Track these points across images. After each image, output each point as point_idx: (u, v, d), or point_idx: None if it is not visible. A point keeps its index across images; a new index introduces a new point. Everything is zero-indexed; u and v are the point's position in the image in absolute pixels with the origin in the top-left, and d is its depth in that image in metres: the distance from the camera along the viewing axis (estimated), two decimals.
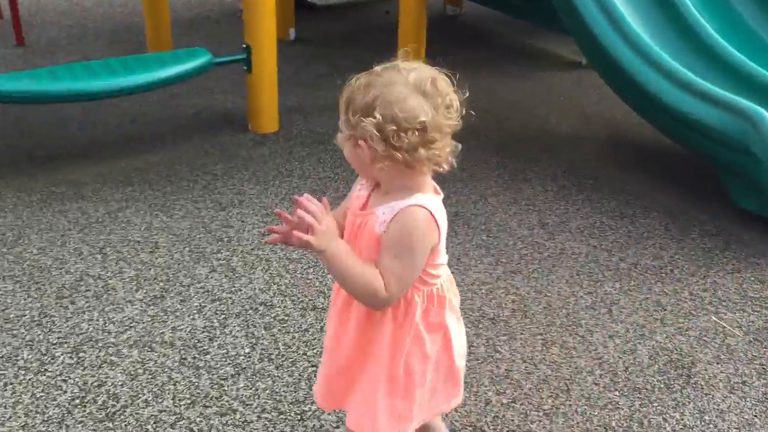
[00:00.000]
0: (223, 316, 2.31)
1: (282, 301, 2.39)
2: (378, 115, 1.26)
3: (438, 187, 1.43)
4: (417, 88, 1.29)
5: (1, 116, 3.53)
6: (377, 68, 1.33)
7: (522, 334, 2.27)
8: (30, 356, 2.10)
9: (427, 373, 1.47)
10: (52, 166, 3.14)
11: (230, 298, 2.40)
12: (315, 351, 2.17)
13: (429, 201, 1.35)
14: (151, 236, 2.70)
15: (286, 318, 2.31)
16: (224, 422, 1.91)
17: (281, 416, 1.93)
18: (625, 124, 3.73)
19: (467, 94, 1.39)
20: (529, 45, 4.89)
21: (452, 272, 1.53)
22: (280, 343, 2.20)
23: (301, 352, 2.17)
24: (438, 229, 1.35)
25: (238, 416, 1.93)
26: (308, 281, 2.49)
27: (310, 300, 2.39)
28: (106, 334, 2.20)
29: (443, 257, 1.44)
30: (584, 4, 3.05)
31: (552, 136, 3.61)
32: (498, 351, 2.20)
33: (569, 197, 3.05)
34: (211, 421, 1.91)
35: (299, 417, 1.93)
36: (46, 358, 2.09)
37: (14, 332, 2.19)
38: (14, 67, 4.12)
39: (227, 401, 1.97)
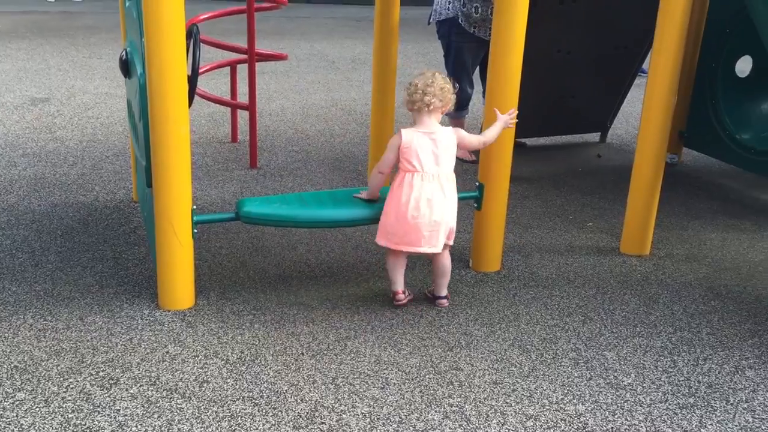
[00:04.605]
0: None
1: None
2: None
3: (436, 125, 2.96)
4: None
5: (236, 235, 3.73)
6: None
7: None
8: None
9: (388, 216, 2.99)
10: (282, 286, 3.22)
11: None
12: None
13: (407, 130, 2.93)
14: (381, 370, 2.63)
15: None
16: None
17: None
18: None
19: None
20: (761, 200, 4.55)
21: None
22: None
23: None
24: (401, 139, 2.90)
25: None
26: None
27: None
28: None
29: (412, 162, 2.90)
30: None
31: None
32: None
33: None
34: None
35: None
36: None
37: None
38: (248, 187, 4.42)
39: None
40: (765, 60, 4.57)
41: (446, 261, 3.07)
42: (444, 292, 3.12)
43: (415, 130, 2.92)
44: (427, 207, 2.88)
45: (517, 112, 3.17)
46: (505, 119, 3.13)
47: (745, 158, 4.53)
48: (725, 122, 4.67)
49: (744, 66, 4.81)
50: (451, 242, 3.03)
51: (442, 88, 2.91)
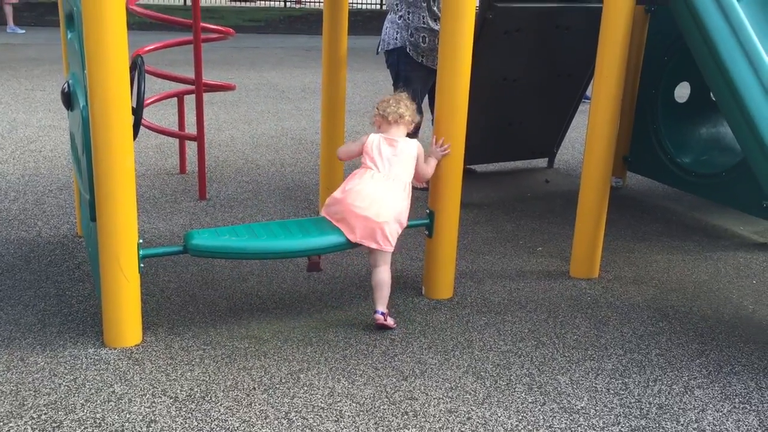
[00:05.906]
0: None
1: None
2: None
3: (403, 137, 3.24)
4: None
5: (185, 268, 3.65)
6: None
7: None
8: None
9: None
10: (233, 320, 3.16)
11: None
12: None
13: (373, 134, 3.22)
14: (335, 403, 2.59)
15: None
16: None
17: None
18: None
19: None
20: (704, 222, 4.67)
21: None
22: None
23: None
24: (366, 138, 3.19)
25: None
26: None
27: None
28: None
29: (370, 159, 3.16)
30: None
31: (751, 325, 3.30)
32: None
33: None
34: None
35: None
36: None
37: None
38: (197, 219, 4.35)
39: None
40: (702, 86, 4.74)
41: (383, 275, 3.11)
42: (381, 307, 3.10)
43: (381, 136, 3.19)
44: (367, 201, 3.04)
45: (448, 143, 3.21)
46: (436, 152, 3.23)
47: (687, 181, 4.66)
48: (666, 146, 4.81)
49: (683, 92, 4.97)
50: (389, 248, 3.09)
51: (409, 105, 3.26)
